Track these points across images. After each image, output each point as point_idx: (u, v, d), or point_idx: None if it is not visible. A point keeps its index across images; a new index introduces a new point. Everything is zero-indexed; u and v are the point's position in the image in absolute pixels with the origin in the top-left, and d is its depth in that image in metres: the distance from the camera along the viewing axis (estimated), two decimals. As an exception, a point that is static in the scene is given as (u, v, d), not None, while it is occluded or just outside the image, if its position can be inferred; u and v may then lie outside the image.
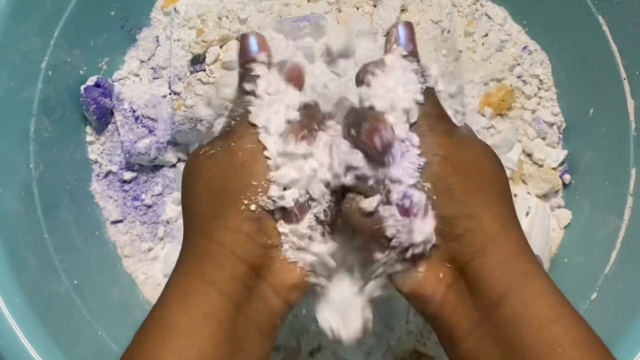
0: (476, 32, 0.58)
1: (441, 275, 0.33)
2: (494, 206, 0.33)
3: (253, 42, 0.37)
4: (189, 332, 0.31)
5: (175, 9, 0.53)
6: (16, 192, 0.47)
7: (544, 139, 0.56)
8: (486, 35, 0.58)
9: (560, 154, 0.55)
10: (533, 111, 0.57)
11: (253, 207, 0.33)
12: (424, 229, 0.32)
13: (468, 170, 0.33)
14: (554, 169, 0.55)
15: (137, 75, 0.57)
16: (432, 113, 0.35)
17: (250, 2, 0.53)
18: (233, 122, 0.36)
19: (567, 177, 0.55)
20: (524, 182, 0.55)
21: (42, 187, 0.49)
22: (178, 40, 0.52)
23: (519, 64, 0.57)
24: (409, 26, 0.37)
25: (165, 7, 0.57)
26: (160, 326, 0.31)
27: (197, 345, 0.31)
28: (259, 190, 0.34)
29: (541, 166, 0.56)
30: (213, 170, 0.35)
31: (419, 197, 0.32)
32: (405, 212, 0.32)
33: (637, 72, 0.48)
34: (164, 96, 0.55)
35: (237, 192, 0.34)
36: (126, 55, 0.58)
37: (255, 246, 0.33)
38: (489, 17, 0.58)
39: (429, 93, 0.36)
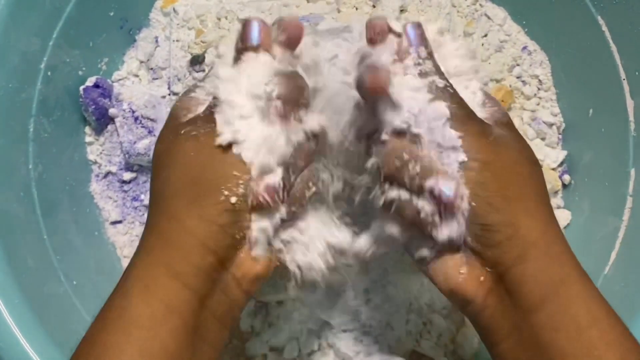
0: (475, 32, 0.58)
1: (482, 278, 0.33)
2: (533, 211, 0.33)
3: (255, 30, 0.34)
4: (150, 325, 0.30)
5: (174, 9, 0.53)
6: (15, 193, 0.47)
7: (543, 139, 0.56)
8: (485, 35, 0.58)
9: (560, 154, 0.55)
10: (532, 111, 0.57)
11: (234, 199, 0.32)
12: (451, 227, 0.32)
13: (506, 174, 0.33)
14: (553, 169, 0.55)
15: (136, 75, 0.57)
16: (460, 114, 0.33)
17: (249, 2, 0.53)
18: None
19: (566, 177, 0.55)
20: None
21: (41, 187, 0.49)
22: (177, 40, 0.52)
23: (518, 65, 0.57)
24: (419, 26, 0.35)
25: (164, 8, 0.57)
26: (121, 317, 0.31)
27: (159, 339, 0.30)
28: (241, 181, 0.32)
29: (540, 166, 0.55)
30: (192, 153, 0.33)
31: (452, 189, 0.32)
32: (438, 202, 0.32)
33: (637, 73, 0.48)
34: (163, 97, 0.55)
35: (216, 181, 0.32)
36: (125, 55, 0.57)
37: (227, 238, 0.33)
38: (489, 18, 0.58)
39: (451, 93, 0.34)
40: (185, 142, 0.33)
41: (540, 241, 0.32)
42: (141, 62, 0.57)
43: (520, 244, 0.32)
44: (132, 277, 0.33)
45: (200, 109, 0.35)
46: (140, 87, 0.56)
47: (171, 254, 0.32)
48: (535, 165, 0.35)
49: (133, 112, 0.54)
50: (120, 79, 0.57)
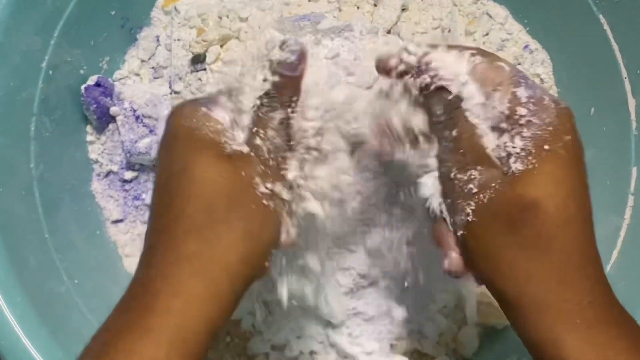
0: (477, 31, 0.57)
1: None
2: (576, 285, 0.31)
3: (295, 59, 0.34)
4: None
5: (175, 8, 0.53)
6: (17, 192, 0.47)
7: (544, 138, 0.56)
8: (487, 34, 0.58)
9: (561, 153, 0.55)
10: (534, 110, 0.57)
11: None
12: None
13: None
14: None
15: (137, 74, 0.57)
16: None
17: (250, 1, 0.53)
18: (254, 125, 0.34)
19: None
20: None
21: (43, 186, 0.49)
22: (178, 39, 0.52)
23: (519, 63, 0.57)
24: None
25: (165, 7, 0.57)
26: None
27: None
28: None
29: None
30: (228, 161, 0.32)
31: None
32: None
33: (638, 71, 0.48)
34: (165, 95, 0.55)
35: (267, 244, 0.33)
36: (127, 54, 0.57)
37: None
38: (490, 16, 0.58)
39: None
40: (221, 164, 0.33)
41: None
42: (142, 61, 0.57)
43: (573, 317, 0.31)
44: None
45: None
46: (142, 86, 0.56)
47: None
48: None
49: (134, 111, 0.54)
50: (121, 78, 0.57)
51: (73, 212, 0.52)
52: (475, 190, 0.32)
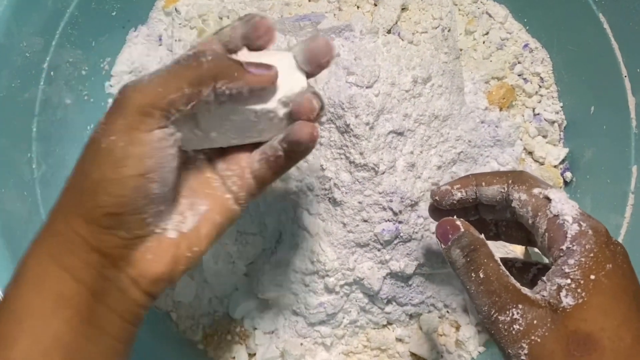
0: (477, 30, 0.58)
1: None
2: None
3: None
4: (42, 314, 0.30)
5: (176, 9, 0.53)
6: (19, 193, 0.47)
7: (545, 136, 0.56)
8: (487, 33, 0.58)
9: (561, 152, 0.55)
10: (534, 109, 0.57)
11: (113, 203, 0.31)
12: None
13: None
14: (555, 166, 0.55)
15: (137, 75, 0.57)
16: None
17: (251, 1, 0.53)
18: (125, 91, 0.31)
19: (568, 175, 0.55)
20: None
21: (45, 187, 0.49)
22: (179, 40, 0.53)
23: (519, 62, 0.57)
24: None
25: (166, 8, 0.57)
26: (14, 309, 0.31)
27: (52, 328, 0.30)
28: (126, 185, 0.31)
29: (542, 164, 0.56)
30: (87, 145, 0.32)
31: None
32: None
33: (638, 70, 0.48)
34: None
35: (98, 183, 0.31)
36: (127, 55, 0.57)
37: (112, 237, 0.32)
38: (490, 16, 0.58)
39: None
40: (92, 135, 0.32)
41: None
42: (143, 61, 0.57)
43: None
44: (25, 267, 0.32)
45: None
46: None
47: (60, 247, 0.32)
48: None
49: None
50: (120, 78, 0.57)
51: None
52: (522, 329, 0.32)
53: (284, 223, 0.50)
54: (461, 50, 0.57)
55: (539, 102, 0.57)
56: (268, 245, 0.51)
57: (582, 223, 0.33)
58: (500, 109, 0.55)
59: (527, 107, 0.57)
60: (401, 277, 0.50)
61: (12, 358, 0.29)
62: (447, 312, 0.53)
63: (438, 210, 0.42)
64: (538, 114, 0.56)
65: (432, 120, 0.49)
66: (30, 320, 0.30)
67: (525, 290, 0.33)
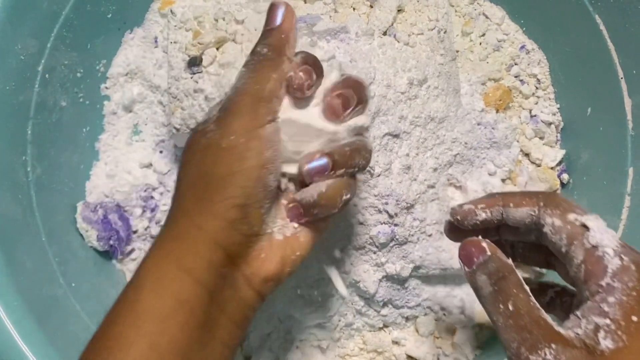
0: (473, 31, 0.57)
1: None
2: None
3: (280, 14, 0.36)
4: (160, 319, 0.31)
5: (171, 11, 0.53)
6: (13, 195, 0.47)
7: (541, 138, 0.56)
8: (483, 34, 0.58)
9: (558, 153, 0.55)
10: (531, 110, 0.57)
11: (240, 194, 0.33)
12: None
13: None
14: (551, 168, 0.55)
15: (132, 77, 0.57)
16: None
17: (247, 3, 0.53)
18: (230, 99, 0.35)
19: (564, 176, 0.55)
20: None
21: (40, 190, 0.49)
22: (174, 42, 0.52)
23: (516, 64, 0.57)
24: None
25: (162, 9, 0.57)
26: (132, 310, 0.31)
27: (169, 332, 0.30)
28: (251, 176, 0.33)
29: (539, 166, 0.55)
30: (203, 151, 0.34)
31: None
32: None
33: (635, 71, 0.48)
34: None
35: (225, 177, 0.33)
36: (123, 57, 0.57)
37: (237, 234, 0.33)
38: (487, 17, 0.58)
39: None
40: (200, 139, 0.34)
41: None
42: (139, 63, 0.57)
43: None
44: (144, 270, 0.33)
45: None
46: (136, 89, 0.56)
47: (182, 248, 0.33)
48: None
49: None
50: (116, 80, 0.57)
51: (70, 216, 0.52)
52: None
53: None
54: (458, 51, 0.57)
55: (536, 103, 0.57)
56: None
57: (623, 257, 0.30)
58: (497, 111, 0.55)
59: (523, 109, 0.57)
60: (397, 280, 0.50)
61: None
62: (444, 314, 0.52)
63: (456, 229, 0.38)
64: (535, 116, 0.56)
65: (428, 122, 0.49)
66: (148, 324, 0.30)
67: (558, 327, 0.30)
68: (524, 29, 0.58)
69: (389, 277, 0.50)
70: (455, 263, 0.49)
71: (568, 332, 0.30)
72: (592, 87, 0.52)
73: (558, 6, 0.54)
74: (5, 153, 0.47)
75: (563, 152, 0.55)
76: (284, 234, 0.36)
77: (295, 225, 0.36)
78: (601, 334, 0.29)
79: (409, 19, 0.51)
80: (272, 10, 0.36)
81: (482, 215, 0.37)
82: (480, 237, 0.34)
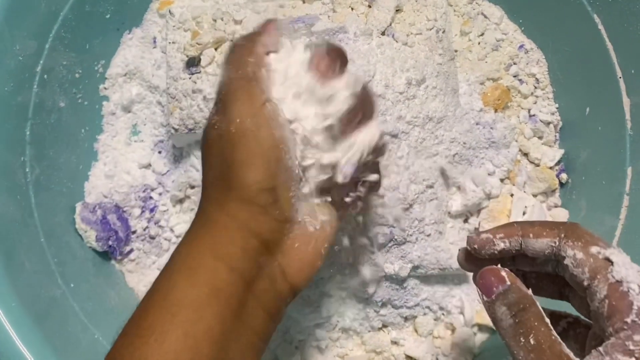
0: (472, 31, 0.57)
1: None
2: None
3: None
4: (195, 307, 0.30)
5: (170, 11, 0.53)
6: (12, 196, 0.47)
7: (540, 138, 0.56)
8: (482, 34, 0.58)
9: (557, 153, 0.55)
10: (529, 110, 0.57)
11: (265, 176, 0.33)
12: None
13: None
14: (550, 168, 0.55)
15: (131, 77, 0.57)
16: None
17: (245, 3, 0.53)
18: (221, 91, 0.35)
19: (563, 176, 0.55)
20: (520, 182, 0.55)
21: (38, 190, 0.49)
22: (173, 42, 0.52)
23: (515, 63, 0.57)
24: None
25: (160, 10, 0.57)
26: (166, 299, 0.31)
27: (204, 321, 0.30)
28: (270, 157, 0.33)
29: (538, 165, 0.55)
30: (219, 140, 0.34)
31: None
32: None
33: (633, 71, 0.48)
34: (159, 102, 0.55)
35: (245, 161, 0.33)
36: (121, 57, 0.57)
37: (270, 219, 0.33)
38: (485, 17, 0.58)
39: None
40: (212, 131, 0.35)
41: None
42: (138, 64, 0.57)
43: None
44: (178, 260, 0.33)
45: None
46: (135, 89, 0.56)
47: (215, 236, 0.32)
48: None
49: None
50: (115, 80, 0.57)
51: (68, 216, 0.52)
52: None
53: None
54: (456, 51, 0.56)
55: (535, 103, 0.57)
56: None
57: None
58: (496, 111, 0.55)
59: (522, 109, 0.57)
60: (396, 280, 0.50)
61: (164, 351, 0.29)
62: (443, 314, 0.52)
63: (472, 257, 0.37)
64: (533, 115, 0.56)
65: (427, 122, 0.49)
66: (183, 313, 0.30)
67: None
68: (523, 28, 0.57)
69: (387, 277, 0.50)
70: (454, 263, 0.49)
71: None
72: (591, 87, 0.52)
73: (557, 6, 0.53)
74: (4, 154, 0.47)
75: (562, 151, 0.55)
76: (313, 225, 0.36)
77: (324, 217, 0.36)
78: None
79: (408, 18, 0.51)
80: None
81: (501, 245, 0.35)
82: (499, 265, 0.33)
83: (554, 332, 0.30)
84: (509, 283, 0.32)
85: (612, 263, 0.31)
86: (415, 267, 0.49)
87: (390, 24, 0.50)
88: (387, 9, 0.50)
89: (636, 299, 0.29)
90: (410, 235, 0.48)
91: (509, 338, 0.31)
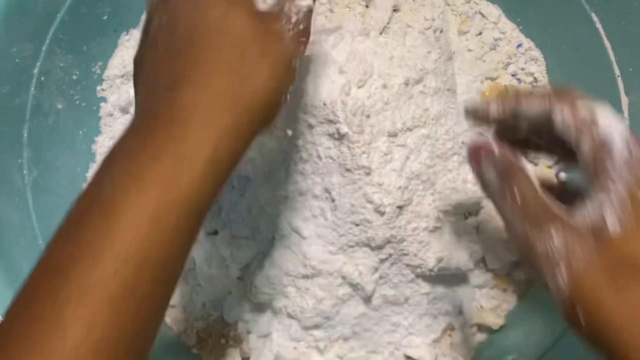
0: (470, 30, 0.57)
1: None
2: None
3: None
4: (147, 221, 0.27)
5: (167, 12, 0.53)
6: (10, 199, 0.47)
7: (539, 137, 0.56)
8: (480, 33, 0.58)
9: (556, 152, 0.55)
10: (528, 109, 0.57)
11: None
12: None
13: None
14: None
15: (129, 79, 0.57)
16: None
17: (242, 4, 0.53)
18: None
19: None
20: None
21: (36, 193, 0.49)
22: (170, 43, 0.52)
23: (513, 62, 0.57)
24: None
25: (157, 11, 0.57)
26: (104, 214, 0.28)
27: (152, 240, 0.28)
28: None
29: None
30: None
31: None
32: None
33: (631, 70, 0.48)
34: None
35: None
36: (119, 59, 0.57)
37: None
38: (483, 16, 0.58)
39: None
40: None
41: None
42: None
43: None
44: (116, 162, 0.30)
45: None
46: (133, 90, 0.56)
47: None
48: None
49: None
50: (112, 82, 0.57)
51: (66, 218, 0.52)
52: (562, 255, 0.30)
53: (276, 226, 0.50)
54: (454, 51, 0.56)
55: (533, 102, 0.57)
56: (261, 248, 0.51)
57: (632, 147, 0.31)
58: (494, 110, 0.55)
59: (521, 108, 0.57)
60: (395, 280, 0.50)
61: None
62: (443, 314, 0.52)
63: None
64: (532, 114, 0.56)
65: (425, 122, 0.49)
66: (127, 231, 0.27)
67: (564, 212, 0.31)
68: (521, 27, 0.57)
69: (385, 277, 0.50)
70: (454, 263, 0.49)
71: (576, 218, 0.31)
72: (589, 85, 0.52)
73: (555, 4, 0.53)
74: (1, 156, 0.47)
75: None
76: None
77: None
78: (609, 220, 0.30)
79: (405, 18, 0.51)
80: None
81: (493, 107, 0.37)
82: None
83: (540, 191, 0.32)
84: (496, 150, 0.34)
85: (597, 121, 0.32)
86: (414, 267, 0.49)
87: (388, 24, 0.50)
88: (384, 8, 0.50)
89: (620, 152, 0.31)
90: (408, 234, 0.48)
91: (497, 198, 0.34)
